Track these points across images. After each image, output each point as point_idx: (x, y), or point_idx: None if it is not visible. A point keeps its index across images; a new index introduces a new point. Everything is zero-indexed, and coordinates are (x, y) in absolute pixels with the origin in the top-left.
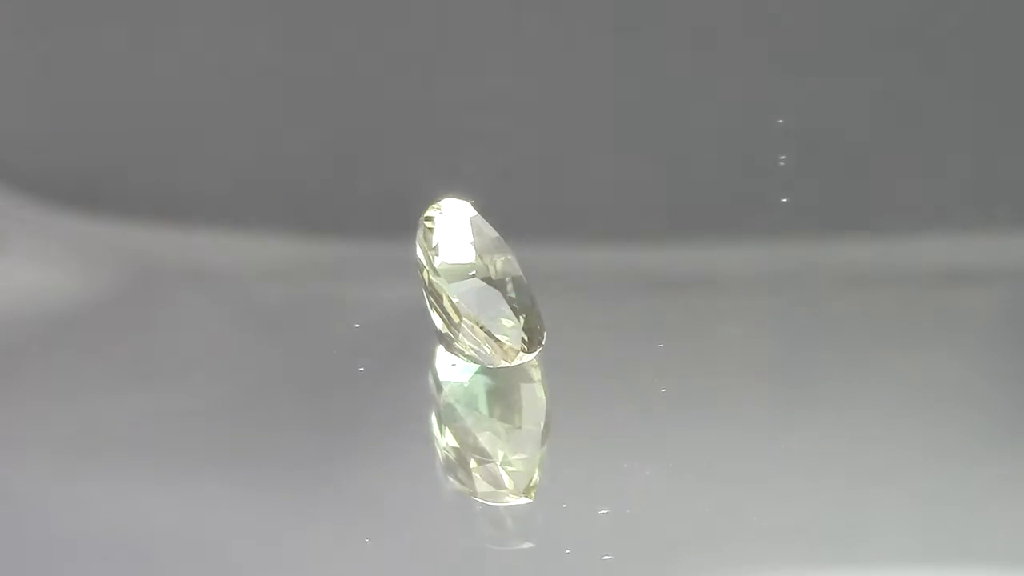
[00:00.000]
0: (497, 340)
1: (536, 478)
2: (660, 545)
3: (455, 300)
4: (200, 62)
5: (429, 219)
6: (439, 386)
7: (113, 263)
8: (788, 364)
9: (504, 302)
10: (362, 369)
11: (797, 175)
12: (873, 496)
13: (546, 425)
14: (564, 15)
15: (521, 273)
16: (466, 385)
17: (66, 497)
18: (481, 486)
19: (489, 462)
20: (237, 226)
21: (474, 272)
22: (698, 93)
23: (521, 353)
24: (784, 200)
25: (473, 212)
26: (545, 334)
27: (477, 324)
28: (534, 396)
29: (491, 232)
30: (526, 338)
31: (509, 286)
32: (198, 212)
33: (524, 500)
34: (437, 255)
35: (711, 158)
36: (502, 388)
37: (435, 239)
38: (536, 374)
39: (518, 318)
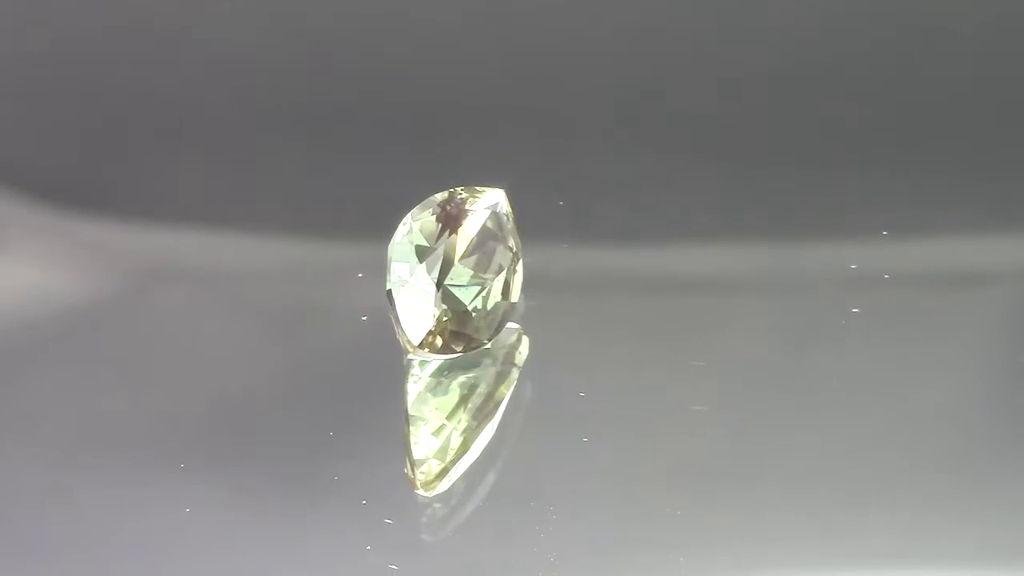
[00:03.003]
0: (401, 328)
1: (437, 477)
2: (655, 550)
3: (390, 277)
4: (200, 62)
5: (445, 198)
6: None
7: (111, 264)
8: (786, 366)
9: (432, 295)
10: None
11: (796, 177)
12: (872, 498)
13: (478, 431)
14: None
15: (498, 278)
16: (440, 375)
17: (64, 496)
18: (406, 467)
19: (411, 447)
20: (236, 227)
21: (422, 258)
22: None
23: (417, 348)
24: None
25: (498, 207)
26: (484, 343)
27: (392, 306)
28: (492, 402)
29: (499, 230)
30: (428, 339)
31: (464, 286)
32: (197, 213)
33: (423, 493)
34: (412, 229)
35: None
36: (473, 387)
37: (426, 215)
38: (514, 383)
39: (439, 317)
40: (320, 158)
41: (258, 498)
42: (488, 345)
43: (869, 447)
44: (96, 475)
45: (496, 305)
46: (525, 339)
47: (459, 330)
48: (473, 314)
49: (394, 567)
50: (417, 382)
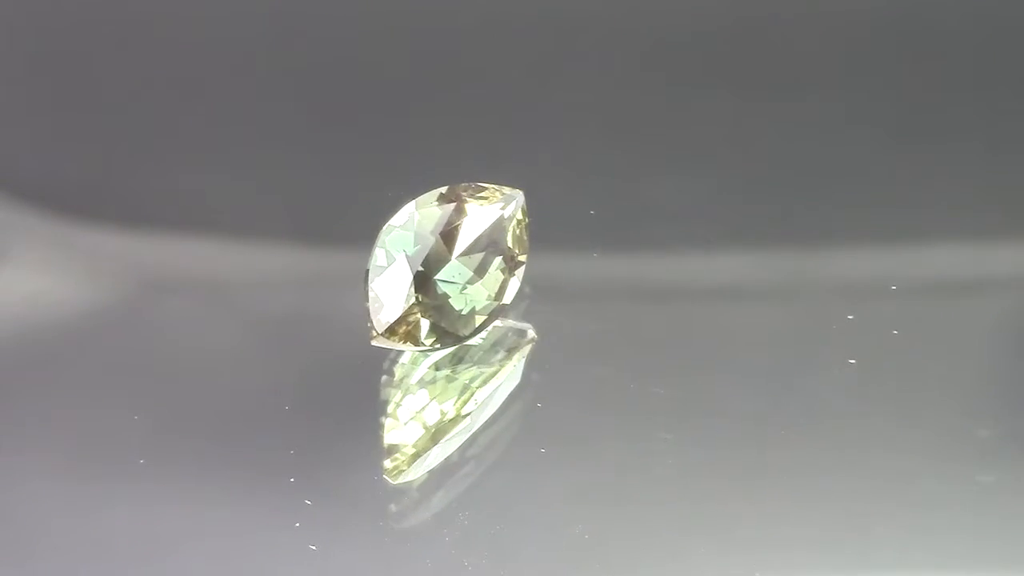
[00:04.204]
0: (368, 313)
1: (404, 467)
2: (655, 555)
3: (373, 258)
4: (203, 69)
5: (457, 192)
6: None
7: (112, 272)
8: (786, 372)
9: (407, 284)
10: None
11: (795, 185)
12: (872, 503)
13: (458, 427)
14: None
15: (495, 278)
16: (435, 369)
17: (66, 501)
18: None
19: (384, 434)
20: (240, 236)
21: (412, 246)
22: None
23: (380, 336)
24: None
25: (508, 209)
26: (464, 340)
27: (365, 288)
28: (482, 401)
29: (504, 231)
30: (395, 328)
31: (455, 283)
32: (200, 222)
33: (389, 480)
34: (412, 217)
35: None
36: (465, 384)
37: (431, 204)
38: (505, 383)
39: (411, 308)
40: (321, 164)
41: (252, 500)
42: (473, 343)
43: (868, 453)
44: (96, 481)
45: (486, 305)
46: (527, 342)
47: (438, 324)
48: (461, 313)
49: (313, 547)
50: (411, 374)
